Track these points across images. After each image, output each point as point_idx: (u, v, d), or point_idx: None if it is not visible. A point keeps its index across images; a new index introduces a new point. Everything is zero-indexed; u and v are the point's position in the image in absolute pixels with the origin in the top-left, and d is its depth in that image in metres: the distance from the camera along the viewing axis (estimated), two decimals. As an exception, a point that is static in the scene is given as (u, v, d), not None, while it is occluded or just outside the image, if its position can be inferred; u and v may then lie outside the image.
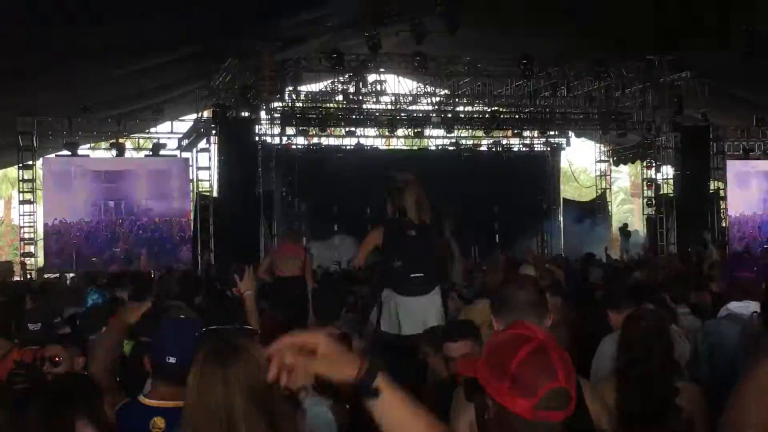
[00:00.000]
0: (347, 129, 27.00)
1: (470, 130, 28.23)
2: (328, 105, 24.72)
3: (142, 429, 3.52)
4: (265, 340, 4.70)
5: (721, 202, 25.82)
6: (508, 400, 2.22)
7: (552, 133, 29.24)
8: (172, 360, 3.59)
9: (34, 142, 22.92)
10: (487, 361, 2.30)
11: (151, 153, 24.01)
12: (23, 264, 22.71)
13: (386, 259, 7.43)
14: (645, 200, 26.34)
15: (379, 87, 23.49)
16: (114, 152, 23.92)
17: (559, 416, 2.24)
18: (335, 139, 28.58)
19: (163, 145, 24.20)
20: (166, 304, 7.02)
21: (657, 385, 4.18)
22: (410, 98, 25.08)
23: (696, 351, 5.43)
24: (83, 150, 24.15)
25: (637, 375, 4.23)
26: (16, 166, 24.04)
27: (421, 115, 25.75)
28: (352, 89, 23.12)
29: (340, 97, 23.89)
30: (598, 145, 31.34)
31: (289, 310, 9.09)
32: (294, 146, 27.54)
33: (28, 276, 21.25)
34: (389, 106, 24.82)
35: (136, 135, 25.11)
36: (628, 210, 54.32)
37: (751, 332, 4.77)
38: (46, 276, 19.55)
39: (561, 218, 30.66)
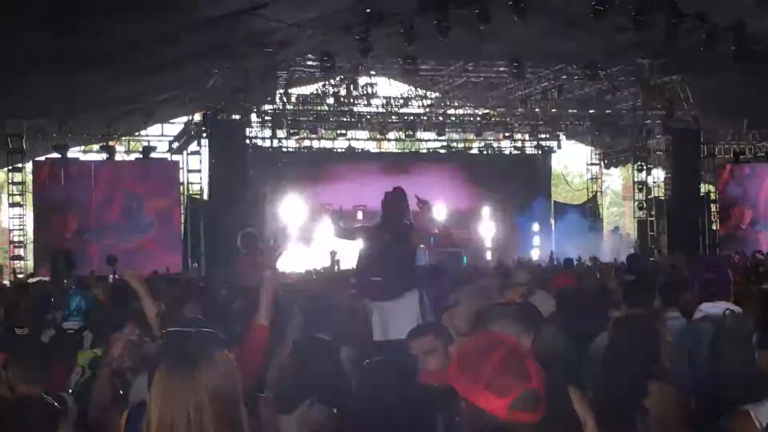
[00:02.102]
0: (338, 132, 26.96)
1: (461, 133, 28.21)
2: (319, 107, 24.70)
3: None
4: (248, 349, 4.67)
5: (712, 204, 25.84)
6: (482, 401, 2.31)
7: (543, 135, 29.27)
8: None
9: (24, 145, 22.82)
10: (458, 365, 2.39)
11: (141, 155, 23.93)
12: (13, 267, 22.61)
13: (357, 263, 7.62)
14: (636, 203, 26.36)
15: (370, 89, 23.50)
16: (104, 155, 23.84)
17: (531, 417, 2.33)
18: (326, 142, 28.52)
19: (154, 148, 24.14)
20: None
21: (630, 387, 4.22)
22: (401, 101, 25.08)
23: (677, 353, 5.53)
24: (73, 152, 24.07)
25: (613, 377, 4.29)
26: (5, 169, 23.93)
27: (412, 117, 25.76)
28: (343, 92, 23.14)
29: (331, 100, 23.90)
30: (589, 147, 31.38)
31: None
32: (285, 149, 27.49)
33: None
34: (380, 109, 24.83)
35: (126, 137, 25.02)
36: (618, 212, 54.46)
37: (725, 330, 4.82)
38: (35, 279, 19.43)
39: (552, 221, 30.67)
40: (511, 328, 3.72)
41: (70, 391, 5.30)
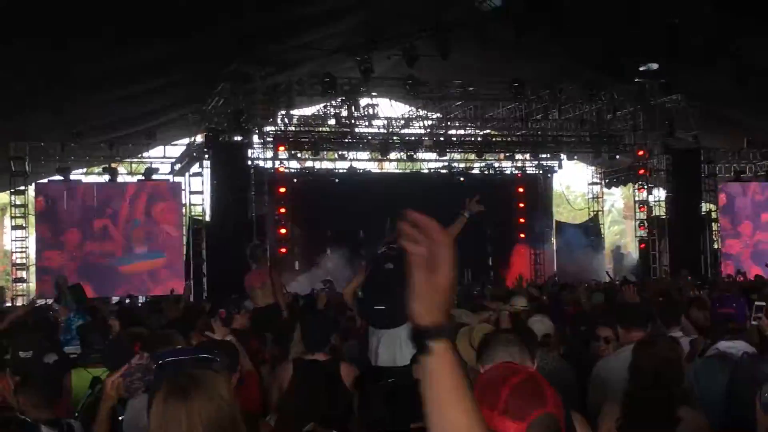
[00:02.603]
0: (339, 153, 27.01)
1: (462, 153, 28.26)
2: (320, 129, 24.76)
3: None
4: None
5: (713, 224, 25.85)
6: (499, 426, 2.28)
7: (544, 155, 29.32)
8: None
9: (26, 168, 22.87)
10: (479, 393, 2.33)
11: (143, 177, 23.99)
12: (15, 290, 22.62)
13: (362, 292, 7.69)
14: (637, 222, 26.39)
15: (371, 111, 23.57)
16: (106, 177, 23.90)
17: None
18: (328, 163, 28.58)
19: (156, 170, 24.17)
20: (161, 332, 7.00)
21: (660, 412, 4.19)
22: (402, 122, 25.15)
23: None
24: (75, 175, 24.13)
25: (643, 401, 4.24)
26: (8, 192, 23.97)
27: (413, 138, 25.79)
28: (344, 113, 23.21)
29: (332, 121, 23.95)
30: (590, 167, 31.42)
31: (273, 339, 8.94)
32: (286, 170, 27.52)
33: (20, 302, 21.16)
34: (381, 130, 24.86)
35: (128, 159, 25.08)
36: (619, 231, 54.44)
37: (744, 375, 4.78)
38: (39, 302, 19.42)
39: (554, 240, 30.68)
40: (516, 355, 3.77)
41: (75, 415, 5.32)
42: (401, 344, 7.23)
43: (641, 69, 21.19)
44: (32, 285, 23.66)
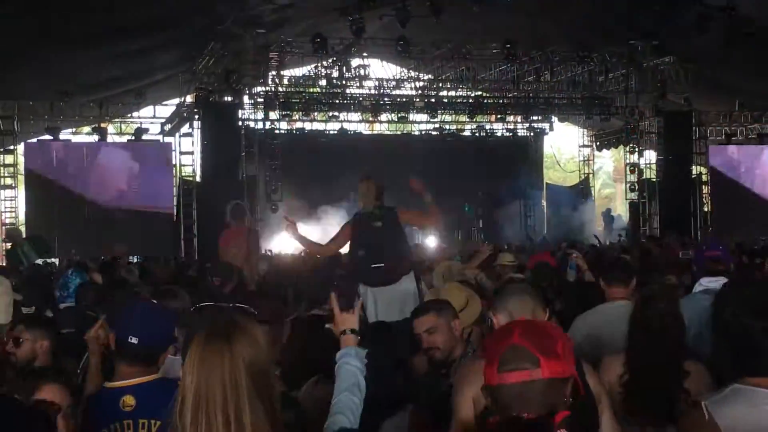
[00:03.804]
0: (330, 114, 26.91)
1: (454, 115, 28.20)
2: (311, 89, 24.65)
3: (112, 411, 3.51)
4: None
5: (704, 186, 25.91)
6: (486, 377, 2.32)
7: (535, 117, 29.30)
8: (133, 340, 3.60)
9: (15, 127, 22.74)
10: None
11: (133, 137, 23.88)
12: (5, 249, 22.56)
13: (352, 252, 7.69)
14: (628, 185, 26.43)
15: (362, 72, 23.43)
16: (96, 137, 23.78)
17: (523, 375, 2.27)
18: (319, 124, 28.47)
19: (146, 130, 24.06)
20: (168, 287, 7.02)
21: (669, 367, 4.20)
22: (394, 83, 25.05)
23: None
24: (65, 134, 24.00)
25: (650, 356, 4.26)
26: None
27: (404, 99, 25.71)
28: (335, 74, 23.06)
29: (323, 82, 23.81)
30: (581, 129, 31.42)
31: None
32: (277, 131, 27.46)
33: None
34: (373, 91, 24.77)
35: (118, 119, 24.95)
36: (610, 194, 54.54)
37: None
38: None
39: (544, 203, 30.76)
40: (528, 304, 3.79)
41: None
42: (396, 301, 7.27)
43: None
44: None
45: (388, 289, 7.37)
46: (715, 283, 5.60)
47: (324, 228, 24.32)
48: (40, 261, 14.45)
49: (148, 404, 3.45)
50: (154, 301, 5.01)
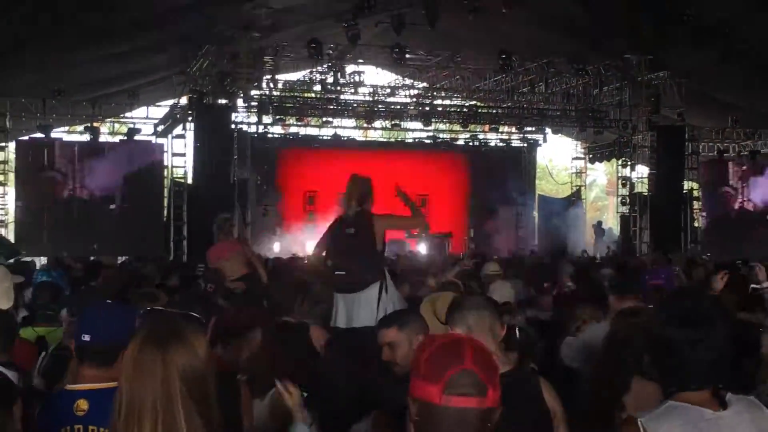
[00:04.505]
0: (324, 119, 26.91)
1: (448, 124, 28.22)
2: (305, 94, 24.64)
3: (65, 414, 3.44)
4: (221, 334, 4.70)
5: (695, 202, 25.94)
6: (420, 391, 2.28)
7: (529, 128, 29.34)
8: (86, 338, 3.53)
9: (7, 124, 22.70)
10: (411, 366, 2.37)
11: (125, 137, 23.84)
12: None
13: (325, 258, 7.70)
14: (619, 198, 26.45)
15: (357, 78, 23.44)
16: (88, 136, 23.74)
17: (470, 402, 2.26)
18: (312, 129, 28.46)
19: (138, 130, 24.06)
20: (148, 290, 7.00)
21: (620, 381, 4.19)
22: (388, 90, 25.06)
23: None
24: (57, 133, 23.95)
25: (604, 371, 4.26)
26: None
27: (398, 107, 25.72)
28: (330, 79, 23.07)
29: (317, 87, 23.81)
30: (574, 142, 31.46)
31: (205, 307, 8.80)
32: (270, 135, 27.47)
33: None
34: (367, 97, 24.77)
35: (111, 119, 24.92)
36: (601, 207, 54.63)
37: None
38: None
39: (536, 214, 30.78)
40: (486, 319, 3.78)
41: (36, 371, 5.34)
42: (359, 307, 7.23)
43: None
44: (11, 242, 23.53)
45: (356, 296, 7.33)
46: None
47: (316, 232, 24.37)
48: (11, 261, 14.41)
49: (101, 410, 3.28)
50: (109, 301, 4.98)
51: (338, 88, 23.59)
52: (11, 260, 12.46)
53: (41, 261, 19.36)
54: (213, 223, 12.53)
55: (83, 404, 3.42)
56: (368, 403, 3.93)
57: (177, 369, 2.58)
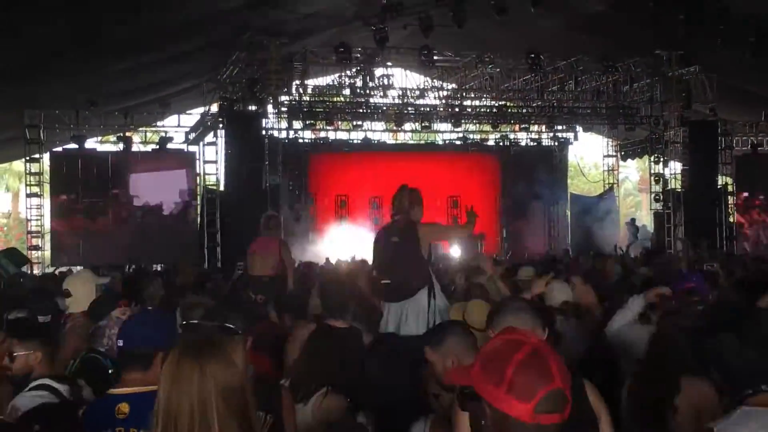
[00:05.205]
0: (354, 123, 26.95)
1: (477, 124, 28.16)
2: (335, 99, 24.68)
3: (107, 417, 3.55)
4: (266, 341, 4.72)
5: (729, 197, 25.70)
6: (505, 406, 2.24)
7: (560, 127, 29.19)
8: (119, 343, 3.77)
9: (41, 136, 22.93)
10: (482, 368, 2.31)
11: (158, 146, 24.01)
12: (30, 257, 22.74)
13: (372, 265, 7.77)
14: (653, 195, 26.24)
15: (386, 81, 23.45)
16: (121, 145, 23.94)
17: (557, 418, 2.26)
18: (342, 133, 28.51)
19: (170, 139, 24.20)
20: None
21: (666, 382, 4.17)
22: (417, 92, 25.03)
23: None
24: (90, 143, 24.17)
25: (650, 371, 4.24)
26: (23, 159, 24.05)
27: (428, 109, 25.68)
28: (359, 83, 23.09)
29: (347, 91, 23.85)
30: (606, 139, 31.28)
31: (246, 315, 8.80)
32: (301, 140, 27.57)
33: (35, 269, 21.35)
34: (396, 100, 24.75)
35: (143, 128, 25.09)
36: (633, 203, 54.28)
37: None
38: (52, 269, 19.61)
39: (569, 212, 30.63)
40: (528, 322, 3.76)
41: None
42: (407, 315, 7.26)
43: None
44: (47, 253, 23.80)
45: (403, 304, 7.37)
46: None
47: (347, 236, 24.45)
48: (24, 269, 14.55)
49: (141, 413, 3.39)
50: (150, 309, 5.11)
51: (367, 91, 23.60)
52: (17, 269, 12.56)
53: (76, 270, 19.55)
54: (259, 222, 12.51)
55: (124, 407, 3.54)
56: (421, 403, 3.94)
57: (214, 381, 2.62)
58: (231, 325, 3.86)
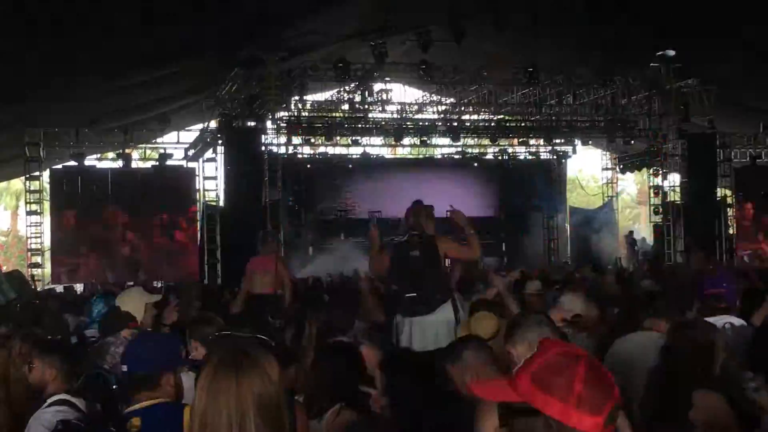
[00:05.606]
0: (353, 138, 26.99)
1: (476, 139, 28.21)
2: (333, 114, 24.71)
3: None
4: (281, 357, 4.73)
5: (728, 209, 25.73)
6: (575, 421, 2.22)
7: (558, 141, 29.23)
8: (124, 368, 3.87)
9: (41, 154, 22.95)
10: (539, 383, 2.27)
11: (157, 163, 24.02)
12: (31, 275, 22.70)
13: (389, 281, 7.76)
14: (652, 208, 26.27)
15: (384, 96, 23.50)
16: (120, 163, 23.95)
17: (612, 430, 2.27)
18: (341, 149, 28.55)
19: (170, 156, 24.21)
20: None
21: (681, 398, 4.16)
22: (416, 107, 25.08)
23: None
24: (90, 161, 24.19)
25: (662, 383, 4.23)
26: (23, 177, 24.07)
27: (426, 123, 25.72)
28: (357, 98, 23.14)
29: (345, 107, 23.90)
30: (604, 152, 31.33)
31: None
32: (300, 155, 27.59)
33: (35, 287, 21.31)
34: (395, 115, 24.80)
35: (142, 145, 25.11)
36: (632, 216, 54.29)
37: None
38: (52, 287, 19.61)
39: (567, 226, 30.66)
40: (548, 335, 3.76)
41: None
42: (439, 329, 7.28)
43: (658, 54, 21.07)
44: (47, 270, 23.77)
45: (423, 319, 7.40)
46: (718, 322, 5.42)
47: (346, 251, 24.42)
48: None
49: (153, 425, 3.62)
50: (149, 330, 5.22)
51: (366, 106, 23.65)
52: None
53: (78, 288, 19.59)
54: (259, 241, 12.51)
55: (136, 421, 3.63)
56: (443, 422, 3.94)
57: (251, 393, 2.60)
58: (264, 337, 3.89)
